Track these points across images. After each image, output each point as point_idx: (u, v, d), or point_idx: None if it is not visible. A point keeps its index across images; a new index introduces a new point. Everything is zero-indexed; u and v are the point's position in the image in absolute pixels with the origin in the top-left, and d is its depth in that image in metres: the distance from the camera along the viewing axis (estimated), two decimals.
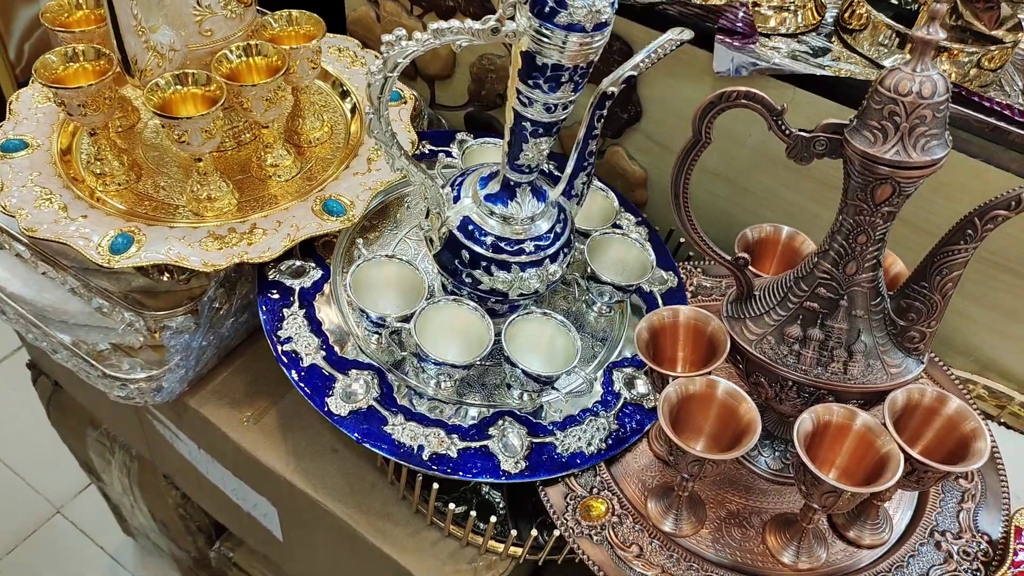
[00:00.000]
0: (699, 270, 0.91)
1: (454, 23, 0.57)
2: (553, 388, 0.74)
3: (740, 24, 0.83)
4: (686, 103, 0.90)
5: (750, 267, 0.69)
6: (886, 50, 0.83)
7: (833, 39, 0.87)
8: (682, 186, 0.62)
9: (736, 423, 0.61)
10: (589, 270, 0.80)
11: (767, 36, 0.85)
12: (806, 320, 0.61)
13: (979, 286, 0.81)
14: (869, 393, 0.61)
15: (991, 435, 0.76)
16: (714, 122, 0.58)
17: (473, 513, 0.68)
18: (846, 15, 0.87)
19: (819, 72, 0.81)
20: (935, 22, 0.50)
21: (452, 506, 0.69)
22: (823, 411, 0.60)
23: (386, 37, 0.57)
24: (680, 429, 0.63)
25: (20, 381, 1.22)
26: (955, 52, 0.81)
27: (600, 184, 0.88)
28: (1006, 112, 0.77)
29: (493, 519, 0.68)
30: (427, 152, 0.93)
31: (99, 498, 1.34)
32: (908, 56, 0.51)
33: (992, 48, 0.81)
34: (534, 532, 0.67)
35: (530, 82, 0.61)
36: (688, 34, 0.66)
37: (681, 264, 0.91)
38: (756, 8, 0.85)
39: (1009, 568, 0.62)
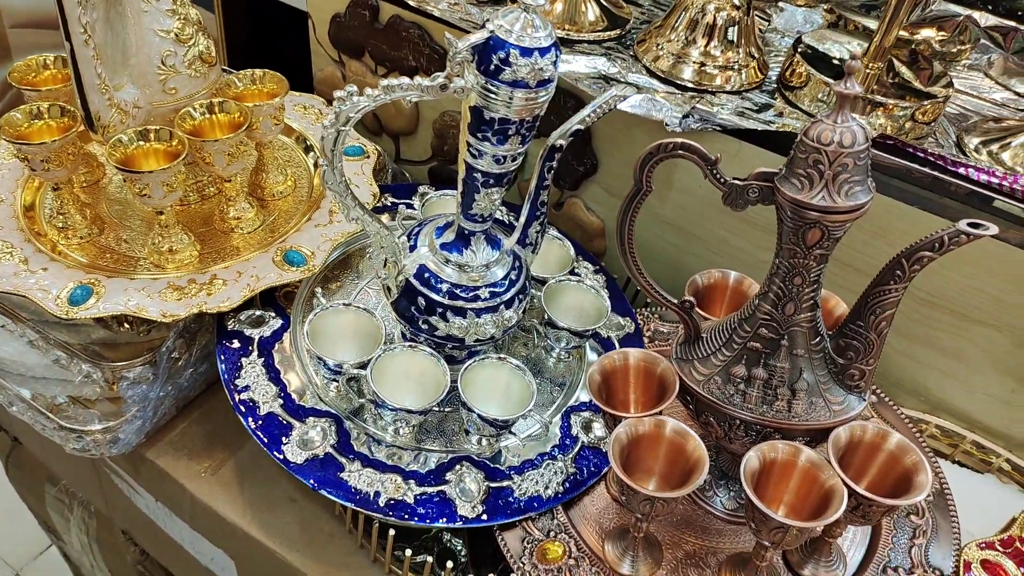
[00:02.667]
0: (656, 316, 0.93)
1: (404, 80, 0.60)
2: (511, 433, 0.75)
3: None
4: (629, 155, 0.93)
5: (699, 311, 0.71)
6: (825, 105, 0.87)
7: (776, 96, 0.92)
8: (627, 233, 0.64)
9: (685, 461, 0.62)
10: (546, 316, 0.81)
11: (713, 93, 0.90)
12: (750, 360, 0.63)
13: (923, 328, 0.84)
14: (814, 430, 0.63)
15: (941, 472, 0.78)
16: (654, 172, 0.61)
17: (429, 559, 0.68)
18: (787, 73, 0.91)
19: (762, 127, 0.85)
20: (852, 77, 0.54)
21: (408, 552, 0.68)
22: (768, 449, 0.61)
23: (338, 93, 0.59)
24: (632, 471, 0.64)
25: None
26: (890, 107, 0.85)
27: (556, 233, 0.90)
28: (939, 162, 0.81)
29: (450, 564, 0.68)
30: (389, 205, 0.96)
31: (59, 560, 1.31)
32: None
33: (925, 103, 0.86)
34: None
35: (479, 135, 0.64)
36: (631, 91, 0.69)
37: (639, 310, 0.93)
38: (703, 68, 0.90)
39: None
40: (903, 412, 0.84)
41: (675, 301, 0.67)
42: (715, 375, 0.65)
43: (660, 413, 0.65)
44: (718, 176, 0.59)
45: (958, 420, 0.87)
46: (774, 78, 0.93)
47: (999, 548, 0.67)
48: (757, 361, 0.63)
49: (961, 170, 0.79)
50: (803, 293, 0.60)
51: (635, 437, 0.63)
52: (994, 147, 0.85)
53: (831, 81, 0.86)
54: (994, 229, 0.54)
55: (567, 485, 0.73)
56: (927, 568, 0.68)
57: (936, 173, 0.80)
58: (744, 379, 0.63)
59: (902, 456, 0.61)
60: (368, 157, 0.95)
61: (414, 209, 0.94)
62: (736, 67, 0.91)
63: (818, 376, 0.63)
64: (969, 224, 0.55)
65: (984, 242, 0.77)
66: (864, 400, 0.64)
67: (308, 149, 0.96)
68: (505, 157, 0.65)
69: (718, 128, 0.85)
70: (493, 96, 0.61)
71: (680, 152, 0.59)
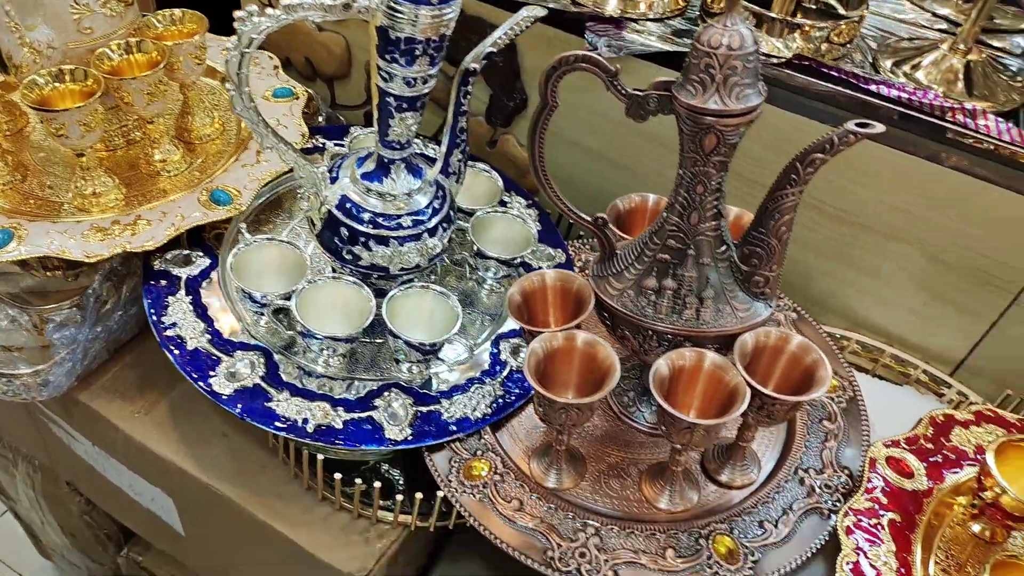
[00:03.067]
0: (587, 247, 0.94)
1: None
2: (439, 359, 0.76)
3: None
4: (567, 89, 0.94)
5: (615, 229, 0.72)
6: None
7: (699, 22, 0.92)
8: (537, 151, 0.65)
9: (597, 369, 0.64)
10: (475, 248, 0.83)
11: (635, 21, 0.90)
12: (660, 271, 0.65)
13: (840, 246, 0.86)
14: (722, 336, 0.65)
15: (855, 381, 0.81)
16: (558, 86, 0.62)
17: (359, 481, 0.70)
18: (709, 0, 0.92)
19: (684, 50, 0.86)
20: None
21: (338, 476, 0.70)
22: (676, 356, 0.63)
23: (238, 13, 0.59)
24: (550, 384, 0.66)
25: None
26: (807, 29, 0.87)
27: (484, 167, 0.91)
28: (852, 80, 0.83)
29: (378, 485, 0.69)
30: (320, 146, 0.96)
31: (14, 524, 1.31)
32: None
33: (840, 23, 0.87)
34: (419, 496, 0.69)
35: (387, 57, 0.64)
36: (541, 11, 0.70)
37: (571, 242, 0.95)
38: None
39: (863, 494, 0.66)
40: (823, 329, 0.86)
41: (588, 218, 0.68)
42: (628, 289, 0.67)
43: (579, 327, 0.67)
44: (619, 87, 0.60)
45: (878, 336, 0.90)
46: (698, 5, 0.94)
47: (904, 445, 0.70)
48: (666, 272, 0.65)
49: (873, 87, 0.81)
50: (706, 202, 0.62)
51: (550, 351, 0.65)
52: (907, 67, 0.87)
53: (752, 6, 0.87)
54: (880, 128, 0.56)
55: (495, 407, 0.75)
56: (836, 468, 0.71)
57: (847, 91, 0.82)
58: (655, 291, 0.65)
59: (804, 356, 0.64)
60: (297, 99, 0.95)
61: (343, 147, 0.94)
62: None
63: (724, 284, 0.65)
64: (857, 124, 0.56)
65: (895, 157, 0.80)
66: (770, 307, 0.66)
67: None
68: (415, 79, 0.66)
69: (639, 54, 0.86)
70: (399, 15, 0.61)
71: (582, 65, 0.60)
